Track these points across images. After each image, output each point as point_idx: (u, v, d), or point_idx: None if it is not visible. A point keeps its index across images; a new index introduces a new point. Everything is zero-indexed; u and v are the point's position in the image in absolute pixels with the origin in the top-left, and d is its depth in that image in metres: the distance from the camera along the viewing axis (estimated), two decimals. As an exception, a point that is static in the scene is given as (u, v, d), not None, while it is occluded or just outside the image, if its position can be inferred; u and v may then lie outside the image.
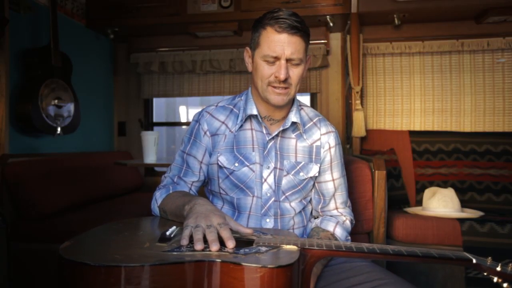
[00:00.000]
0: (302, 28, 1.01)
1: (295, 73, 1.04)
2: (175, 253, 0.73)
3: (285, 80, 1.02)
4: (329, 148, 1.16)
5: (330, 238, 1.10)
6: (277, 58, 1.02)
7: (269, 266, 0.67)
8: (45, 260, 1.85)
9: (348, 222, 1.18)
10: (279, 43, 1.00)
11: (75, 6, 2.72)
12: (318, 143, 1.16)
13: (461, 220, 1.88)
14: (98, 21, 2.83)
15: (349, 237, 1.17)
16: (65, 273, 0.68)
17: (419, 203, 2.33)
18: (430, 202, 2.04)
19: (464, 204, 2.20)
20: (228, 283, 0.68)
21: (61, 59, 2.31)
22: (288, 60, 1.02)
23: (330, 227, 1.14)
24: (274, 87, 1.04)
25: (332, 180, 1.17)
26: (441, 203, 2.00)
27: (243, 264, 0.68)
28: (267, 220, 1.12)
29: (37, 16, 2.34)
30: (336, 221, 1.16)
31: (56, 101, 2.25)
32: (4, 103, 2.01)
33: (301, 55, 1.03)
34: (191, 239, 0.79)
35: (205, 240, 0.78)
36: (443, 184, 2.38)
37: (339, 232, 1.14)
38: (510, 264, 0.71)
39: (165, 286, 0.66)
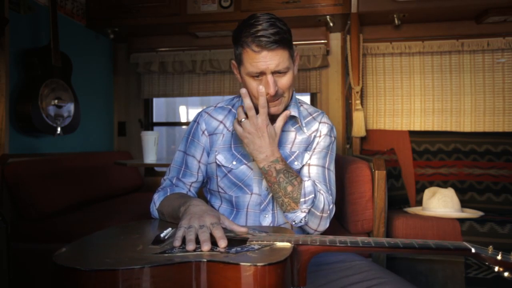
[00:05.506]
0: (281, 39, 0.98)
1: (284, 82, 1.03)
2: (166, 254, 0.73)
3: (276, 93, 1.02)
4: (320, 135, 1.16)
5: (295, 185, 1.01)
6: (262, 73, 1.01)
7: (259, 264, 0.67)
8: (45, 260, 1.85)
9: (323, 197, 1.05)
10: (260, 59, 0.99)
11: (75, 6, 2.72)
12: (315, 133, 1.16)
13: (461, 220, 1.88)
14: (98, 21, 2.82)
15: (315, 198, 1.02)
16: (58, 279, 0.69)
17: (419, 203, 2.33)
18: (430, 202, 2.04)
19: (464, 204, 2.20)
20: (219, 283, 0.68)
21: (61, 59, 2.30)
22: (274, 73, 1.01)
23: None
24: (267, 100, 1.03)
25: (308, 165, 1.12)
26: (441, 203, 2.00)
27: (233, 263, 0.67)
28: (266, 216, 1.12)
29: (37, 16, 2.34)
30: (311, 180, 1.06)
31: (56, 101, 2.25)
32: (4, 103, 2.01)
33: (286, 63, 1.01)
34: (184, 240, 0.79)
35: (198, 241, 0.78)
36: (443, 184, 2.38)
37: (308, 185, 1.03)
38: None
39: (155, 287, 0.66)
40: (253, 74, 1.02)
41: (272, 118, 1.09)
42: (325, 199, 1.05)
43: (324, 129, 1.16)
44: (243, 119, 1.02)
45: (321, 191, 1.06)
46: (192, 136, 1.17)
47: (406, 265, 1.89)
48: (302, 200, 1.01)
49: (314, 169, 1.12)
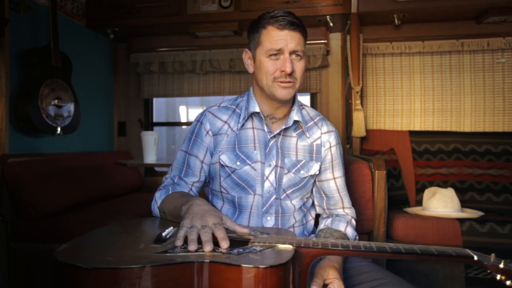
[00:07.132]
0: (300, 23, 1.06)
1: (299, 66, 1.07)
2: (168, 254, 0.73)
3: (291, 74, 1.04)
4: (330, 147, 1.17)
5: (343, 238, 1.14)
6: (280, 52, 1.04)
7: (260, 266, 0.66)
8: (45, 260, 1.85)
9: (354, 222, 1.21)
10: (281, 37, 1.04)
11: (75, 6, 2.72)
12: (318, 141, 1.17)
13: (461, 220, 1.88)
14: (98, 21, 2.82)
15: (358, 236, 1.21)
16: (59, 275, 0.68)
17: (419, 203, 2.33)
18: (430, 202, 2.04)
19: (464, 204, 2.20)
20: (220, 284, 0.68)
21: (61, 59, 2.30)
22: (291, 53, 1.05)
23: (341, 227, 1.17)
24: (280, 81, 1.05)
25: (334, 179, 1.19)
26: (441, 203, 2.00)
27: (235, 264, 0.67)
28: (268, 218, 1.12)
29: (37, 16, 2.34)
30: (346, 221, 1.19)
31: (56, 101, 2.25)
32: (4, 103, 2.01)
33: (303, 48, 1.07)
34: (186, 240, 0.79)
35: (200, 241, 0.78)
36: (443, 184, 2.38)
37: (349, 231, 1.17)
38: None
39: (156, 287, 0.66)
40: (271, 52, 1.05)
41: (277, 115, 1.12)
42: (355, 220, 1.22)
43: (332, 138, 1.19)
44: None
45: (352, 217, 1.21)
46: (195, 136, 1.16)
47: (406, 265, 1.89)
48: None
49: (340, 181, 1.20)
